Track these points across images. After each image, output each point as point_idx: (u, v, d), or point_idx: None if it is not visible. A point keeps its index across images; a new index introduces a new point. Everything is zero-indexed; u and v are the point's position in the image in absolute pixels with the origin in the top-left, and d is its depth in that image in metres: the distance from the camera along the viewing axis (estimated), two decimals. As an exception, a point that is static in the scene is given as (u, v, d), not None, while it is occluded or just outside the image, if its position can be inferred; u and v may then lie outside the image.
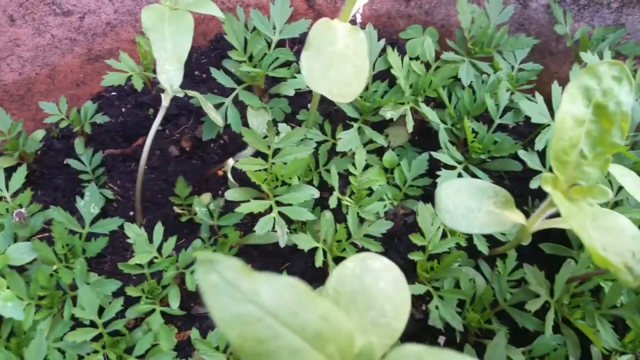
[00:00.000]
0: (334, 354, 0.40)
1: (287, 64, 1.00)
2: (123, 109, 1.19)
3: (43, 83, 1.17)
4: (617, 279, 0.54)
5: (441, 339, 0.89)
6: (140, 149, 0.91)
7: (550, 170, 0.65)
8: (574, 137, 0.61)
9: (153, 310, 0.82)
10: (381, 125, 1.09)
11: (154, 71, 0.94)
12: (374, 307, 0.53)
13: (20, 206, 0.85)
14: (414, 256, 0.84)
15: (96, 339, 0.78)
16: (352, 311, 0.52)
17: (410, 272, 0.90)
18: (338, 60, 0.71)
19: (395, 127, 1.09)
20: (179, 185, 0.98)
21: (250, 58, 0.99)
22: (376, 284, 0.55)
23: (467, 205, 0.67)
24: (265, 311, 0.37)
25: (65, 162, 1.10)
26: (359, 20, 1.21)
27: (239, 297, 0.37)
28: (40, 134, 1.09)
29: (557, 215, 0.66)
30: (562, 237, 0.90)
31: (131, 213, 1.04)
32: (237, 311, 0.36)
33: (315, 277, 0.92)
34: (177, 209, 1.00)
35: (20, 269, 0.80)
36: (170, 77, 0.70)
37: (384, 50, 1.01)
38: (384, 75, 1.02)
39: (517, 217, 0.68)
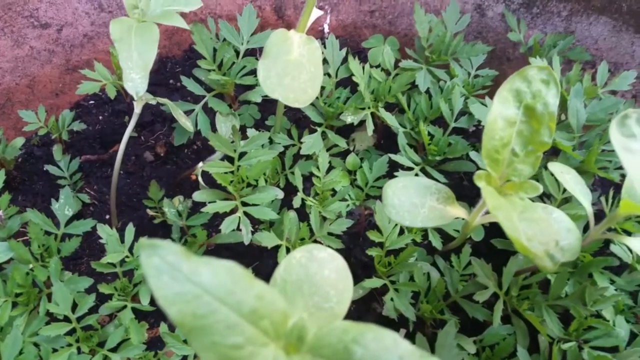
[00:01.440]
0: (268, 328, 0.45)
1: (254, 72, 1.05)
2: (100, 117, 1.24)
3: (23, 93, 1.21)
4: (537, 264, 0.59)
5: (402, 332, 0.94)
6: (117, 155, 0.96)
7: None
8: (505, 136, 0.67)
9: (125, 307, 0.86)
10: (347, 131, 1.14)
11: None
12: (318, 293, 0.58)
13: (-2, 209, 0.89)
14: (372, 252, 0.89)
15: (70, 333, 0.82)
16: (297, 297, 0.57)
17: (372, 268, 0.96)
18: (293, 68, 0.76)
19: (360, 132, 1.15)
20: (152, 189, 1.03)
21: (220, 67, 1.04)
22: (321, 272, 0.60)
23: (412, 201, 0.72)
24: (204, 290, 0.42)
25: (44, 169, 1.14)
26: (326, 30, 1.27)
27: (179, 277, 0.41)
28: (19, 141, 1.13)
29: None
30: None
31: (107, 216, 1.09)
32: (177, 290, 0.41)
33: (282, 274, 0.97)
34: (150, 212, 1.04)
35: (-3, 269, 0.84)
36: (136, 84, 0.75)
37: (347, 59, 1.06)
38: (346, 82, 1.08)
39: (458, 211, 0.74)
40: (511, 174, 0.68)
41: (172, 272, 0.41)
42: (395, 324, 0.92)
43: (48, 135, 1.17)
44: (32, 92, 1.22)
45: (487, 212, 0.76)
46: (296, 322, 0.46)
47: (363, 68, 1.05)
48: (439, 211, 0.72)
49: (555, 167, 0.81)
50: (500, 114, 0.67)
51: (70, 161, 1.11)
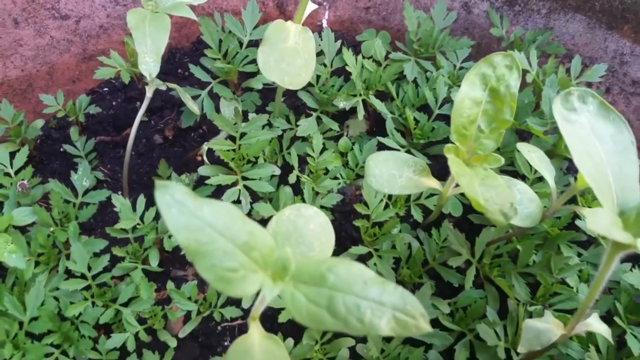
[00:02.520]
0: (257, 258, 0.55)
1: (256, 61, 1.14)
2: (114, 103, 1.34)
3: (43, 79, 1.31)
4: (491, 219, 0.69)
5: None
6: (129, 137, 1.06)
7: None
8: (472, 114, 0.76)
9: (135, 268, 0.96)
10: (342, 118, 1.24)
11: (140, 66, 1.09)
12: (304, 243, 0.68)
13: (23, 179, 0.99)
14: (358, 223, 0.99)
15: (86, 289, 0.92)
16: (285, 245, 0.67)
17: (360, 241, 1.05)
18: (289, 55, 0.86)
19: (354, 119, 1.24)
20: (161, 167, 1.12)
21: (225, 56, 1.14)
22: (307, 226, 0.69)
23: (391, 172, 0.81)
24: (206, 223, 0.52)
25: (61, 150, 1.24)
26: (324, 25, 1.37)
27: (186, 212, 0.51)
28: (39, 122, 1.23)
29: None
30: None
31: (119, 192, 1.19)
32: (184, 221, 0.51)
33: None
34: (159, 187, 1.14)
35: (22, 230, 0.94)
36: (149, 67, 0.84)
37: (341, 50, 1.16)
38: (340, 72, 1.17)
39: (432, 182, 0.83)
40: (477, 148, 0.77)
41: (180, 207, 0.51)
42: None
43: (65, 119, 1.27)
44: (51, 78, 1.32)
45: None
46: (281, 255, 0.56)
47: (356, 59, 1.14)
48: (414, 181, 0.82)
49: (523, 146, 0.90)
50: (467, 95, 0.76)
51: (86, 142, 1.20)
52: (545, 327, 0.73)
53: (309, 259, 0.56)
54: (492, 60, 0.77)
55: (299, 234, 0.68)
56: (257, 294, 0.57)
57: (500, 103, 0.76)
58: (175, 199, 0.51)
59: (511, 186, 0.83)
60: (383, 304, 0.52)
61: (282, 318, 0.91)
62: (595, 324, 0.72)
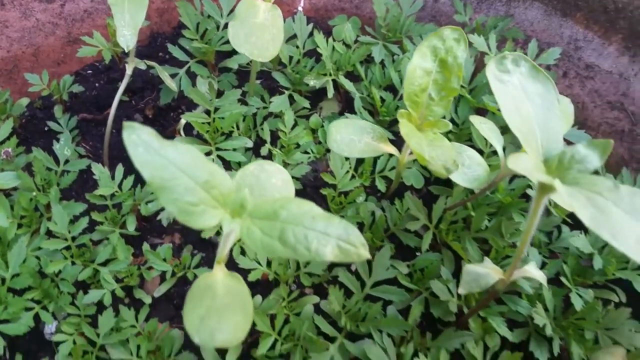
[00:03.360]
0: (217, 196, 0.61)
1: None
2: (97, 84, 1.39)
3: (28, 61, 1.37)
4: (433, 172, 0.75)
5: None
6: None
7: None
8: (423, 83, 0.83)
9: (113, 232, 1.02)
10: (316, 100, 1.30)
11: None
12: (265, 195, 0.74)
13: (7, 148, 1.05)
14: (325, 191, 1.05)
15: (66, 249, 0.98)
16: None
17: (329, 212, 1.11)
18: (258, 29, 0.92)
19: (327, 101, 1.31)
20: (140, 142, 1.18)
21: (202, 37, 1.20)
22: (269, 180, 0.75)
23: (351, 137, 0.88)
24: (169, 161, 0.58)
25: (46, 129, 1.30)
26: (300, 11, 1.43)
27: (151, 151, 0.57)
28: (24, 100, 1.28)
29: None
30: (447, 182, 1.12)
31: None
32: (149, 159, 0.57)
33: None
34: (138, 161, 1.20)
35: (6, 195, 0.99)
36: (127, 39, 0.90)
37: (312, 33, 1.22)
38: (313, 54, 1.24)
39: (389, 148, 0.90)
40: (428, 114, 0.84)
41: (146, 146, 0.57)
42: None
43: (49, 99, 1.32)
44: (36, 60, 1.38)
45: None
46: (240, 195, 0.62)
47: (327, 41, 1.21)
48: (372, 146, 0.88)
49: (475, 119, 0.97)
50: (419, 65, 0.83)
51: (69, 119, 1.26)
52: (485, 271, 0.80)
53: (265, 198, 0.63)
54: (441, 33, 0.84)
55: (262, 186, 0.74)
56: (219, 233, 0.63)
57: (448, 73, 0.83)
58: (141, 139, 0.57)
59: (461, 152, 0.90)
60: (328, 234, 0.58)
61: (251, 277, 0.98)
62: (532, 271, 0.78)
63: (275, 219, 0.60)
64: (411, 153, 0.92)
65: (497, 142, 0.93)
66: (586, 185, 0.59)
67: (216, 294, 0.67)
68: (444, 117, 0.83)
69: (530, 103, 0.66)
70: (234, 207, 0.62)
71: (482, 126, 0.95)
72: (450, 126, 0.83)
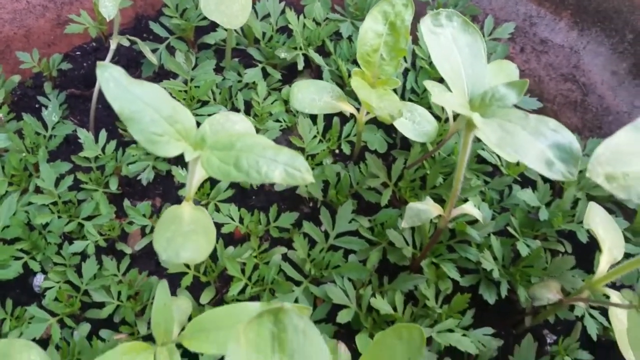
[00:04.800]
0: (180, 130, 0.69)
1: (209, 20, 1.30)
2: (84, 64, 1.48)
3: (20, 41, 1.45)
4: (380, 119, 0.84)
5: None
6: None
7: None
8: (375, 44, 0.92)
9: (97, 190, 1.10)
10: (290, 76, 1.39)
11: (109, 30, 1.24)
12: (229, 140, 0.83)
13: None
14: (293, 152, 1.14)
15: (53, 204, 1.06)
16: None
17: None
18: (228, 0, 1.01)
19: (302, 77, 1.39)
20: (124, 114, 1.26)
21: (182, 15, 1.29)
22: (233, 127, 0.84)
23: (312, 96, 0.97)
24: (136, 97, 0.66)
25: (36, 106, 1.38)
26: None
27: (121, 87, 0.66)
28: (16, 77, 1.36)
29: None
30: (407, 147, 1.20)
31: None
32: (119, 93, 0.65)
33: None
34: (122, 132, 1.28)
35: (-3, 156, 1.08)
36: (108, 9, 0.99)
37: (284, 11, 1.31)
38: (285, 30, 1.33)
39: (347, 106, 0.99)
40: (380, 73, 0.93)
41: (116, 82, 0.66)
42: (308, 201, 1.16)
43: (40, 79, 1.41)
44: (27, 41, 1.46)
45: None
46: (201, 130, 0.71)
47: (298, 18, 1.30)
48: (331, 104, 0.97)
49: (428, 83, 1.05)
50: (371, 28, 0.92)
51: (58, 95, 1.34)
52: (425, 208, 0.88)
53: (222, 134, 0.71)
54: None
55: (225, 132, 0.83)
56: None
57: (397, 35, 0.92)
58: (112, 76, 0.66)
59: (413, 110, 0.99)
60: (277, 160, 0.67)
61: (224, 230, 1.06)
62: (469, 208, 0.87)
63: (231, 149, 0.69)
64: (368, 113, 1.01)
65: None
66: (501, 116, 0.67)
67: (183, 221, 0.75)
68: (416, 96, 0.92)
69: (459, 52, 0.75)
70: (195, 141, 0.71)
71: (434, 89, 1.04)
72: (400, 83, 0.92)
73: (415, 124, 0.97)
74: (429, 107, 1.22)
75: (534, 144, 0.61)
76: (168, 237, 0.72)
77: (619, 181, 0.55)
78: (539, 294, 0.90)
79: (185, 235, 0.73)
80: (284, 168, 0.66)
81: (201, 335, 0.72)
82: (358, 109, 1.03)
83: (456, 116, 1.01)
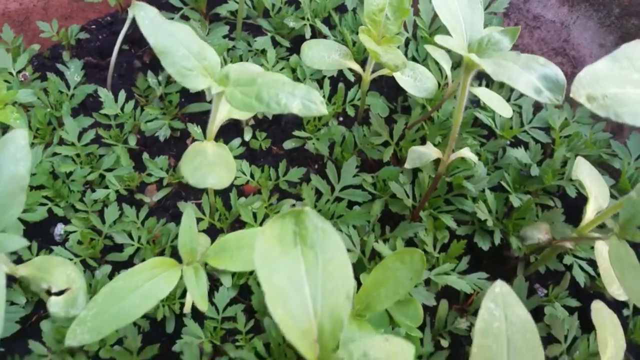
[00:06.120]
0: (207, 66, 0.77)
1: (221, -8, 1.38)
2: (100, 37, 1.55)
3: (38, 14, 1.52)
4: (386, 66, 0.92)
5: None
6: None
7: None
8: (380, 4, 0.99)
9: (117, 145, 1.17)
10: (298, 47, 1.46)
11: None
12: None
13: (25, 72, 1.20)
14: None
15: (76, 156, 1.13)
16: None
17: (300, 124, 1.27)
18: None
19: (307, 50, 1.47)
20: (139, 80, 1.34)
21: (195, -13, 1.37)
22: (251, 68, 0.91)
23: (321, 54, 1.04)
24: (169, 33, 0.74)
25: (55, 74, 1.44)
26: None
27: (155, 24, 0.73)
28: (36, 46, 1.43)
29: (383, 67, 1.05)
30: (408, 112, 1.28)
31: (103, 103, 1.39)
32: (154, 30, 0.73)
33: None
34: (138, 96, 1.35)
35: (25, 111, 1.15)
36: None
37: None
38: (293, 2, 1.41)
39: (353, 64, 1.06)
40: (385, 32, 1.01)
41: (152, 20, 0.73)
42: (316, 158, 1.23)
43: (57, 50, 1.47)
44: (46, 13, 1.53)
45: (375, 70, 1.08)
46: (225, 68, 0.78)
47: (305, -9, 1.38)
48: (339, 62, 1.05)
49: (429, 47, 1.14)
50: (377, -11, 0.99)
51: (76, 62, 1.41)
52: (426, 151, 0.96)
53: (245, 70, 0.78)
54: (397, -35, 1.00)
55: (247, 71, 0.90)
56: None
57: (402, -4, 0.99)
58: (148, 15, 0.73)
59: (414, 69, 1.06)
60: (294, 94, 0.74)
61: (237, 182, 1.13)
62: (466, 153, 0.95)
63: (253, 84, 0.76)
64: (373, 72, 1.09)
65: (445, 62, 1.09)
66: (497, 56, 0.75)
67: (207, 154, 0.82)
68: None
69: (458, 2, 0.83)
70: (220, 77, 0.78)
71: (435, 53, 1.12)
72: (403, 40, 0.99)
73: (416, 81, 1.04)
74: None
75: (525, 75, 0.69)
76: (194, 166, 0.79)
77: (598, 101, 0.62)
78: (529, 234, 0.98)
79: (209, 165, 0.80)
80: (301, 100, 0.74)
81: (224, 255, 0.79)
82: (363, 68, 1.11)
83: (454, 78, 1.09)
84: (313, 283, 0.58)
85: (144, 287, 0.72)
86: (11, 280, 1.00)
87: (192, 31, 0.76)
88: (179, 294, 1.00)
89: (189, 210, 0.82)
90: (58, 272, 0.74)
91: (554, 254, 1.08)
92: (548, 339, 1.01)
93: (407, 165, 0.97)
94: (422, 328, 0.99)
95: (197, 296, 0.76)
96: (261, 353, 0.94)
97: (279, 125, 1.31)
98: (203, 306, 0.76)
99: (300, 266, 0.59)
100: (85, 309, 0.70)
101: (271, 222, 0.60)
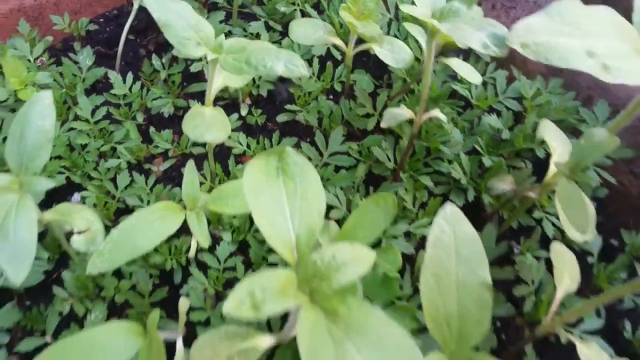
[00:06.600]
0: (203, 36, 0.89)
1: (218, -17, 1.50)
2: (107, 29, 1.68)
3: (51, 9, 1.65)
4: (363, 37, 1.04)
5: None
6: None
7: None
8: (359, -15, 1.11)
9: (126, 120, 1.30)
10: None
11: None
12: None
13: (42, 57, 1.33)
14: (292, 89, 1.33)
15: (90, 131, 1.25)
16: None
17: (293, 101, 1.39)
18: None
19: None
20: (145, 65, 1.46)
21: (194, -22, 1.49)
22: (242, 49, 1.03)
23: (307, 31, 1.16)
24: (171, 9, 0.86)
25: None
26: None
27: (160, 2, 0.85)
28: (50, 38, 1.56)
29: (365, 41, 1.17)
30: (390, 87, 1.40)
31: (113, 87, 1.52)
32: (158, 6, 0.85)
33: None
34: (144, 80, 1.48)
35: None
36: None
37: (284, -25, 1.51)
38: (284, -9, 1.53)
39: (337, 40, 1.18)
40: (364, 9, 1.12)
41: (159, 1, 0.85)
42: (306, 129, 1.35)
43: (68, 42, 1.60)
44: (57, 9, 1.66)
45: (358, 43, 1.20)
46: (219, 39, 0.90)
47: (295, -20, 1.50)
48: (324, 38, 1.16)
49: (408, 25, 1.25)
50: (355, -29, 1.11)
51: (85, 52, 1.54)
52: (401, 112, 1.07)
53: (236, 39, 0.90)
54: (373, -51, 1.12)
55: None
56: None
57: (378, -23, 1.11)
58: (152, -7, 0.85)
59: (392, 43, 1.18)
60: (279, 58, 0.86)
61: (235, 151, 1.25)
62: (436, 113, 1.06)
63: (243, 52, 0.88)
64: (356, 46, 1.20)
65: (421, 37, 1.21)
66: (455, 21, 0.87)
67: (204, 116, 0.94)
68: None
69: (423, -23, 0.94)
70: (214, 46, 0.90)
71: (412, 28, 1.23)
72: (380, 16, 1.11)
73: (394, 53, 1.16)
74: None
75: (476, 34, 0.81)
76: (194, 125, 0.91)
77: (530, 48, 0.74)
78: (495, 185, 1.09)
79: (207, 125, 0.92)
80: (285, 63, 0.86)
81: (221, 202, 0.91)
82: (347, 45, 1.23)
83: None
84: (292, 205, 0.70)
85: (154, 225, 0.84)
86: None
87: (191, 8, 0.89)
88: (185, 249, 1.12)
89: (190, 164, 0.94)
90: (78, 216, 0.86)
91: (523, 208, 1.19)
92: (517, 281, 1.13)
93: (383, 124, 1.09)
94: (403, 274, 1.10)
95: (199, 234, 0.88)
96: (258, 297, 1.05)
97: (274, 104, 1.43)
98: (204, 242, 0.88)
99: (282, 192, 0.71)
100: (104, 244, 0.82)
101: (257, 158, 0.72)
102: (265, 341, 0.84)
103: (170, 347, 0.88)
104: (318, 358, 0.56)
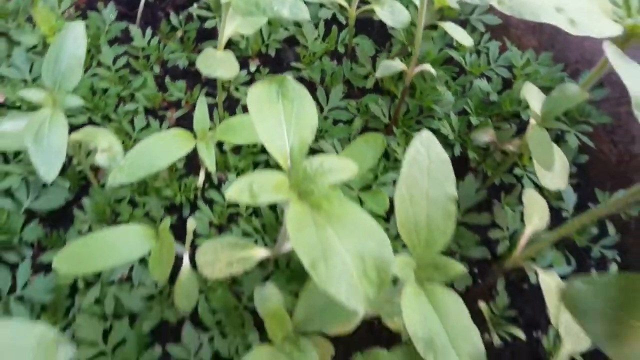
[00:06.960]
0: None
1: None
2: (129, -8, 1.79)
3: (76, -30, 1.76)
4: (372, 2, 1.14)
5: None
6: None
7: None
8: (362, -51, 1.21)
9: (144, 70, 1.41)
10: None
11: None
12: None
13: (70, 10, 1.44)
14: (298, 50, 1.44)
15: (111, 78, 1.37)
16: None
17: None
18: None
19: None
20: (162, 25, 1.57)
21: (212, -54, 1.60)
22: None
23: None
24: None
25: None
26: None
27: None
28: (75, -4, 1.68)
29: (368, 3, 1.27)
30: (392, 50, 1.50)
31: (132, 44, 1.63)
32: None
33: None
34: (161, 37, 1.59)
35: (69, 39, 1.39)
36: None
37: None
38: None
39: (341, 1, 1.29)
40: (366, -28, 1.23)
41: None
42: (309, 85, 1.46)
43: (92, 3, 1.72)
44: (83, -30, 1.77)
45: (360, 5, 1.30)
46: (232, -14, 1.01)
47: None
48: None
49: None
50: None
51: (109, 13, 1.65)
52: (394, 64, 1.18)
53: None
54: None
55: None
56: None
57: (380, -57, 1.21)
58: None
59: (392, 5, 1.28)
60: (284, 3, 0.96)
61: (242, 103, 1.36)
62: (426, 67, 1.16)
63: None
64: (358, 7, 1.31)
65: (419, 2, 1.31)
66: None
67: (216, 56, 1.06)
68: None
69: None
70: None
71: None
72: (380, -20, 1.21)
73: (394, 15, 1.26)
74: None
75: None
76: (207, 63, 1.02)
77: (505, 4, 0.84)
78: (478, 136, 1.20)
79: (218, 62, 1.03)
80: (290, 8, 0.96)
81: (229, 132, 1.02)
82: (350, 5, 1.33)
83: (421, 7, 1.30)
84: (289, 122, 0.80)
85: (168, 145, 0.95)
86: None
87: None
88: (193, 187, 1.24)
89: (202, 98, 1.05)
90: (102, 138, 0.98)
91: (505, 165, 1.29)
92: (493, 226, 1.23)
93: (377, 74, 1.19)
94: (389, 217, 1.21)
95: (207, 160, 0.99)
96: (257, 228, 1.17)
97: (281, 65, 1.54)
98: (211, 167, 0.99)
99: (280, 113, 0.81)
100: (124, 160, 0.93)
101: (261, 82, 0.83)
102: (261, 252, 0.95)
103: (177, 261, 0.99)
104: (303, 237, 0.67)
